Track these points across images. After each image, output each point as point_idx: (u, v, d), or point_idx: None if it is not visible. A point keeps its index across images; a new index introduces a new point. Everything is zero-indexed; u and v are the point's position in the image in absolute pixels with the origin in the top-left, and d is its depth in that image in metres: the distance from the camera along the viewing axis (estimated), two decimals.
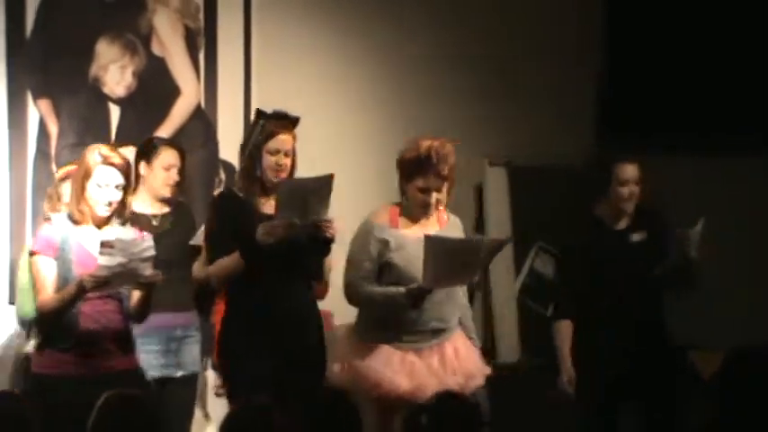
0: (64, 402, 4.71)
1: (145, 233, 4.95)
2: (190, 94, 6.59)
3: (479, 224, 6.91)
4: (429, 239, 4.87)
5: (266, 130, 5.06)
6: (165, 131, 6.47)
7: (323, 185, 4.98)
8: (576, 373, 5.45)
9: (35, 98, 6.39)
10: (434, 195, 5.03)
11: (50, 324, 4.88)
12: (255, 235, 4.94)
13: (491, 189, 6.92)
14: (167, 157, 5.68)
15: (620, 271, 5.47)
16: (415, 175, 5.03)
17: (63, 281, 4.84)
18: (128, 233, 4.92)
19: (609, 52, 7.06)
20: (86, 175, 4.87)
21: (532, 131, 6.95)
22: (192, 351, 5.73)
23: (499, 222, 6.87)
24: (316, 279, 5.25)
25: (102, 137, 6.40)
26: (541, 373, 5.95)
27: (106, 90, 6.47)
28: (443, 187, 5.05)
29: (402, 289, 4.97)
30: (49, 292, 4.85)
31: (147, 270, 4.78)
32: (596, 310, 5.46)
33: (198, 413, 6.02)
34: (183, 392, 5.74)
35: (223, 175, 6.56)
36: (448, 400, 3.90)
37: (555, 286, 6.22)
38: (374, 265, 5.04)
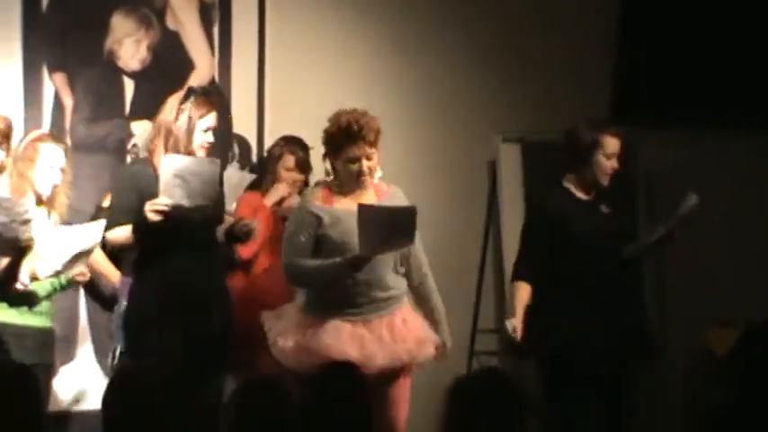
0: None
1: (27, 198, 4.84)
2: (204, 67, 6.59)
3: (492, 201, 6.91)
4: (361, 207, 4.90)
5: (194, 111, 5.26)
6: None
7: (210, 171, 5.16)
8: (527, 333, 5.40)
9: (50, 72, 6.40)
10: (365, 163, 5.05)
11: None
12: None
13: (504, 165, 6.91)
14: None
15: (589, 240, 5.44)
16: (342, 146, 5.06)
17: None
18: (4, 192, 4.85)
19: (625, 26, 7.03)
20: None
21: (546, 107, 6.94)
22: None
23: (512, 199, 6.87)
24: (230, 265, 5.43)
25: (117, 111, 6.43)
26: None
27: (121, 64, 6.47)
28: (374, 155, 5.07)
29: (338, 260, 4.99)
30: None
31: (25, 233, 4.70)
32: (558, 276, 5.44)
33: None
34: None
35: (237, 149, 6.57)
36: (493, 378, 3.90)
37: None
38: (309, 242, 5.06)
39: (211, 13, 6.60)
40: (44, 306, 5.37)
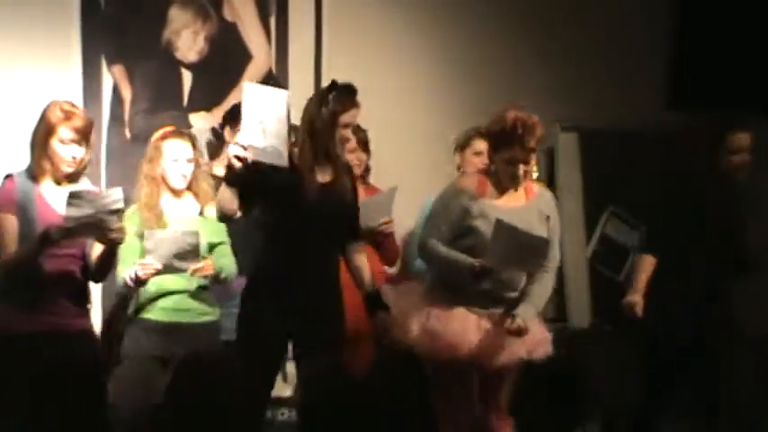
0: (18, 359, 4.63)
1: (117, 188, 4.83)
2: (261, 59, 6.61)
3: (550, 188, 6.88)
4: (498, 224, 4.90)
5: (343, 101, 4.97)
6: (236, 97, 6.49)
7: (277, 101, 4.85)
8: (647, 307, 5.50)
9: (109, 64, 6.45)
10: (521, 167, 5.04)
11: (8, 281, 4.81)
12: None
13: (562, 154, 6.89)
14: None
15: (724, 218, 5.52)
16: (501, 146, 5.05)
17: (25, 239, 4.78)
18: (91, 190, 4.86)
19: (680, 14, 6.97)
20: (49, 131, 4.81)
21: (604, 96, 6.90)
22: None
23: (570, 187, 6.85)
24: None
25: (175, 102, 6.47)
26: (612, 338, 5.95)
27: (178, 55, 6.51)
28: (531, 160, 5.06)
29: (469, 259, 4.99)
30: (9, 248, 4.79)
31: (115, 223, 4.71)
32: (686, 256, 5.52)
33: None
34: None
35: (293, 139, 6.57)
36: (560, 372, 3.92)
37: (626, 251, 6.22)
38: (450, 229, 5.06)
39: (268, 4, 6.62)
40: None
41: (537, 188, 5.22)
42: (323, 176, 4.98)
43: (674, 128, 6.82)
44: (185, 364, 3.99)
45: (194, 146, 5.39)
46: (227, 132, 5.80)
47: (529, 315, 5.10)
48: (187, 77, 6.53)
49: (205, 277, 5.33)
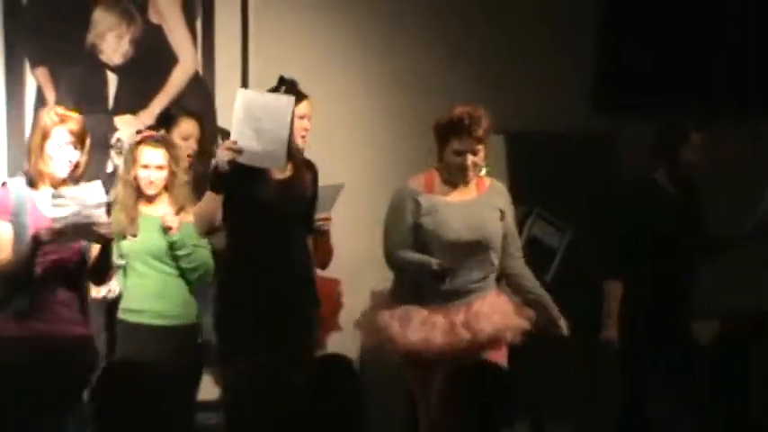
0: (17, 365, 4.73)
1: (95, 181, 4.88)
2: (187, 61, 6.58)
3: None
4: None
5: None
6: (162, 99, 6.46)
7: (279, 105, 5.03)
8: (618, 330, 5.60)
9: (32, 67, 6.39)
10: (470, 158, 5.10)
11: (6, 286, 4.84)
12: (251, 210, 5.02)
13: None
14: (186, 127, 5.76)
15: (668, 233, 5.59)
16: (449, 138, 5.12)
17: (19, 244, 4.81)
18: (80, 185, 4.89)
19: (605, 17, 7.03)
20: (45, 135, 4.86)
21: (529, 97, 6.94)
22: None
23: None
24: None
25: (100, 105, 6.42)
26: (539, 338, 5.98)
27: (103, 58, 6.46)
28: (480, 151, 5.12)
29: (431, 261, 5.04)
30: (4, 255, 4.83)
31: (102, 217, 4.76)
32: (645, 270, 5.58)
33: None
34: None
35: (221, 142, 6.54)
36: (486, 367, 3.94)
37: (553, 253, 6.27)
38: (408, 231, 5.12)
39: (194, 7, 6.59)
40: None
41: (489, 182, 5.27)
42: (281, 172, 5.08)
43: (599, 130, 6.89)
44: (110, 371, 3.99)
45: (170, 153, 5.43)
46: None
47: (556, 311, 5.24)
48: (112, 80, 6.48)
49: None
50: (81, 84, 6.41)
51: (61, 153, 4.86)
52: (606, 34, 7.01)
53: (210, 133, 6.51)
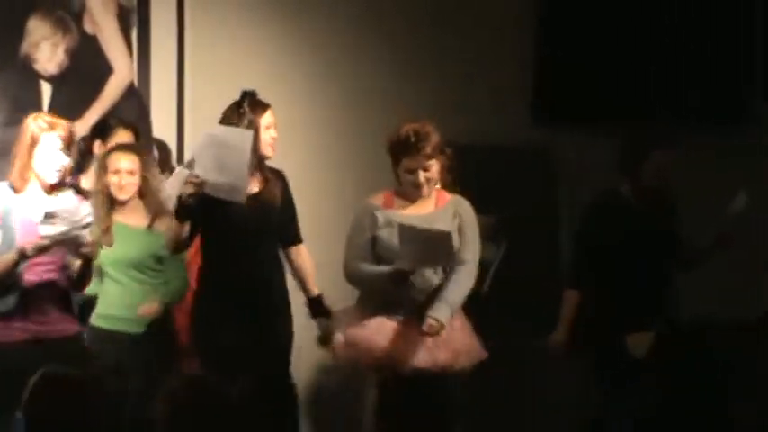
0: (7, 367, 4.75)
1: (84, 201, 5.08)
2: (122, 72, 6.55)
3: None
4: (401, 228, 5.06)
5: (258, 110, 5.31)
6: (97, 110, 6.43)
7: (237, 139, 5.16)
8: (573, 340, 5.63)
9: None
10: (422, 174, 5.17)
11: None
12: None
13: None
14: (122, 137, 5.80)
15: (635, 247, 5.60)
16: (400, 157, 5.22)
17: (6, 249, 4.92)
18: (69, 201, 4.97)
19: (544, 30, 7.07)
20: (33, 142, 4.96)
21: (468, 112, 6.96)
22: None
23: None
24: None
25: None
26: None
27: (38, 67, 6.42)
28: (432, 167, 5.21)
29: (386, 268, 5.12)
30: None
31: (88, 237, 4.93)
32: (608, 283, 5.61)
33: None
34: None
35: (156, 153, 6.51)
36: (424, 377, 3.95)
37: (488, 266, 6.29)
38: (368, 243, 5.21)
39: (130, 17, 6.56)
40: None
41: (449, 197, 5.34)
42: (250, 187, 5.23)
43: (537, 142, 6.92)
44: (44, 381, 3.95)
45: (141, 159, 5.52)
46: (96, 146, 5.80)
47: (442, 313, 5.17)
48: (47, 90, 6.44)
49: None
50: (14, 93, 6.37)
51: (51, 159, 4.95)
52: (545, 44, 7.04)
53: (146, 144, 6.49)
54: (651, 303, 5.67)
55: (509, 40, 7.01)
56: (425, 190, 5.22)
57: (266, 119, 5.34)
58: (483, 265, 6.67)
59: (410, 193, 5.25)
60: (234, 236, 5.20)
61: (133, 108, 6.52)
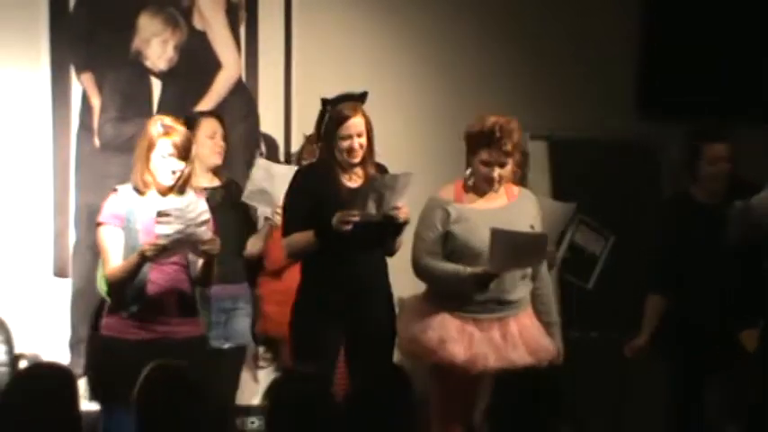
0: (128, 365, 4.77)
1: (200, 198, 5.11)
2: (231, 67, 6.61)
3: None
4: (494, 233, 4.94)
5: (335, 117, 5.14)
6: (206, 105, 6.50)
7: (402, 183, 5.06)
8: (658, 344, 5.57)
9: (78, 72, 6.43)
10: (497, 170, 5.09)
11: (119, 291, 5.02)
12: (331, 220, 5.00)
13: (531, 162, 6.90)
14: (209, 126, 5.86)
15: (711, 245, 5.51)
16: (479, 148, 5.10)
17: (131, 250, 5.00)
18: (184, 199, 5.06)
19: (651, 25, 7.00)
20: (150, 146, 5.04)
21: (574, 104, 6.92)
22: (241, 323, 5.82)
23: (540, 196, 6.85)
24: (389, 254, 5.31)
25: (144, 111, 6.45)
26: (580, 346, 5.97)
27: (148, 64, 6.50)
28: (507, 164, 5.12)
29: (468, 269, 5.03)
30: (117, 261, 5.02)
31: (206, 234, 4.95)
32: (687, 284, 5.54)
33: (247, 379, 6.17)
34: (231, 364, 5.82)
35: (264, 148, 6.58)
36: (533, 377, 3.94)
37: (595, 259, 6.25)
38: (438, 240, 5.11)
39: (238, 13, 6.62)
40: None
41: (518, 191, 5.27)
42: (355, 181, 5.16)
43: (643, 136, 6.86)
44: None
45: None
46: None
47: (559, 340, 5.22)
48: (156, 86, 6.52)
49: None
50: (125, 89, 6.46)
51: (165, 163, 5.03)
52: (651, 38, 6.97)
53: (254, 138, 6.56)
54: (731, 302, 5.55)
55: (615, 33, 6.95)
56: (496, 186, 5.14)
57: (359, 125, 5.17)
58: (590, 260, 6.67)
59: (480, 186, 5.15)
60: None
61: (241, 103, 6.59)
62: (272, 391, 3.93)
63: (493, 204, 5.16)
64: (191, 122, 5.80)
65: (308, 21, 6.66)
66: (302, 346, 5.16)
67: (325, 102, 5.22)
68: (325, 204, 5.06)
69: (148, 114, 6.46)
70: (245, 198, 5.77)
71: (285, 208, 5.24)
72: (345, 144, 5.12)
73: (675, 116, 6.77)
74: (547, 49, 6.97)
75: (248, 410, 6.30)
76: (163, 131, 5.05)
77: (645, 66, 6.97)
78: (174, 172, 5.04)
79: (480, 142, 5.09)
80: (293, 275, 5.47)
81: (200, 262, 5.09)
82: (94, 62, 6.44)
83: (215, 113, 6.04)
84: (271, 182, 5.68)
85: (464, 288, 5.06)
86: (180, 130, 5.09)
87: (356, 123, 5.15)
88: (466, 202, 5.15)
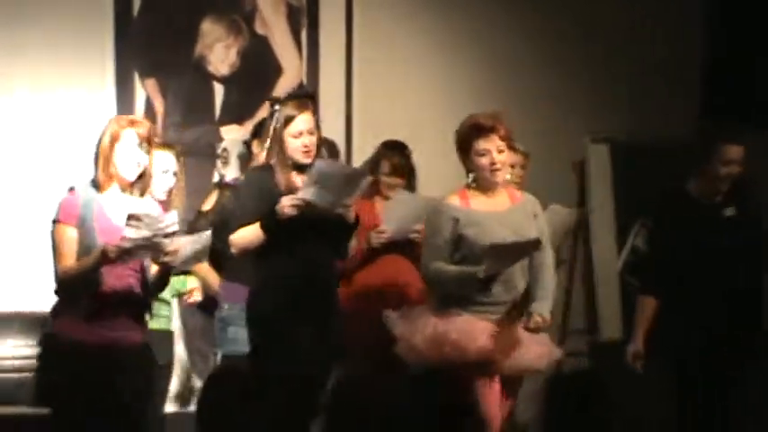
0: (76, 366, 4.77)
1: (172, 211, 4.96)
2: (292, 72, 6.65)
3: (582, 201, 6.88)
4: (487, 249, 4.95)
5: (284, 115, 5.13)
6: (267, 110, 6.53)
7: (356, 178, 5.07)
8: (653, 348, 5.46)
9: (142, 78, 6.50)
10: (496, 156, 5.07)
11: (70, 291, 4.89)
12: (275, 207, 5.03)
13: (593, 166, 6.88)
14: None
15: (713, 246, 5.42)
16: (472, 141, 5.09)
17: (85, 248, 4.86)
18: (152, 207, 4.97)
19: (714, 29, 6.96)
20: (114, 138, 4.91)
21: (634, 108, 6.90)
22: None
23: (601, 199, 6.84)
24: (340, 257, 5.32)
25: (207, 115, 6.51)
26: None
27: (211, 69, 6.56)
28: (504, 150, 5.10)
29: (473, 269, 5.01)
30: (70, 259, 4.87)
31: (170, 246, 4.82)
32: (684, 285, 5.42)
33: None
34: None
35: (325, 153, 6.60)
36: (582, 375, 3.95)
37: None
38: (448, 244, 5.10)
39: (299, 18, 6.66)
40: (164, 310, 5.58)
41: (520, 194, 5.26)
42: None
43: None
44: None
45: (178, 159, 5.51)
46: (254, 145, 5.84)
47: (545, 310, 5.15)
48: (219, 91, 6.58)
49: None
50: (188, 94, 6.52)
51: (130, 155, 4.91)
52: (715, 43, 6.94)
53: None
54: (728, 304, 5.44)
55: (678, 37, 6.92)
56: (499, 175, 5.11)
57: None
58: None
59: (483, 180, 5.12)
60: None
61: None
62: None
63: (497, 207, 5.13)
64: (261, 128, 5.75)
65: (369, 24, 6.68)
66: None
67: (272, 101, 5.22)
68: (269, 203, 5.06)
69: (211, 119, 6.54)
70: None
71: (235, 209, 5.24)
72: (297, 142, 5.12)
73: (740, 120, 6.72)
74: (609, 52, 6.96)
75: None
76: (126, 123, 4.93)
77: (708, 69, 6.93)
78: (138, 164, 4.90)
79: (473, 134, 5.09)
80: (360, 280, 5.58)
81: (155, 269, 4.97)
82: (158, 68, 6.50)
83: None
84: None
85: (468, 290, 5.04)
86: (143, 122, 5.00)
87: (306, 120, 5.14)
88: (472, 206, 5.13)
